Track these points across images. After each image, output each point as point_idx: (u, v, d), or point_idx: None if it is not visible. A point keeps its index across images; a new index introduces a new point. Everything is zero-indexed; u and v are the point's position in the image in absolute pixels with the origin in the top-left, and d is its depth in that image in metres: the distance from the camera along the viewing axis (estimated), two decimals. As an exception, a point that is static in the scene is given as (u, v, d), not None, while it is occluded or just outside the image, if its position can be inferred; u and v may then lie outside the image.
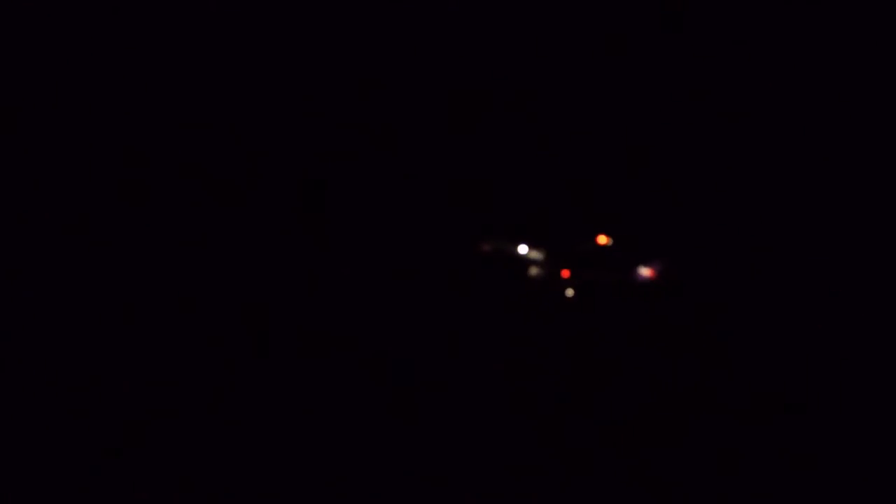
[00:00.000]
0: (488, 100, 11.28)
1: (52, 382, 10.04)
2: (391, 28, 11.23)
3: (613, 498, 10.21)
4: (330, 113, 11.24)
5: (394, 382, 10.61)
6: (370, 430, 10.26)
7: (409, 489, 9.96)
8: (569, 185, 11.33)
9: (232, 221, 10.93)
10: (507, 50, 11.28)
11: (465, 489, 10.07)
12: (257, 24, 11.17)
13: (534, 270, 11.13)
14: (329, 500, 9.73)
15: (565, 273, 11.13)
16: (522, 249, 11.13)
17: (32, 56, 10.86)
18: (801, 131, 11.47)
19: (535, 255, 11.14)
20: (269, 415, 10.22)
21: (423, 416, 10.43)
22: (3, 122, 10.82)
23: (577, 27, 11.31)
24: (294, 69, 11.20)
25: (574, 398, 10.88)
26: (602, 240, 11.10)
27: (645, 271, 11.22)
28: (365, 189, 11.13)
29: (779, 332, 11.18)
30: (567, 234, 11.25)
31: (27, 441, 9.63)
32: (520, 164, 11.30)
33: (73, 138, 10.91)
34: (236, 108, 11.12)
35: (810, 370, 11.01)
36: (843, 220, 11.34)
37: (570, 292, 11.19)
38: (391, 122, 11.23)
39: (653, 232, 11.36)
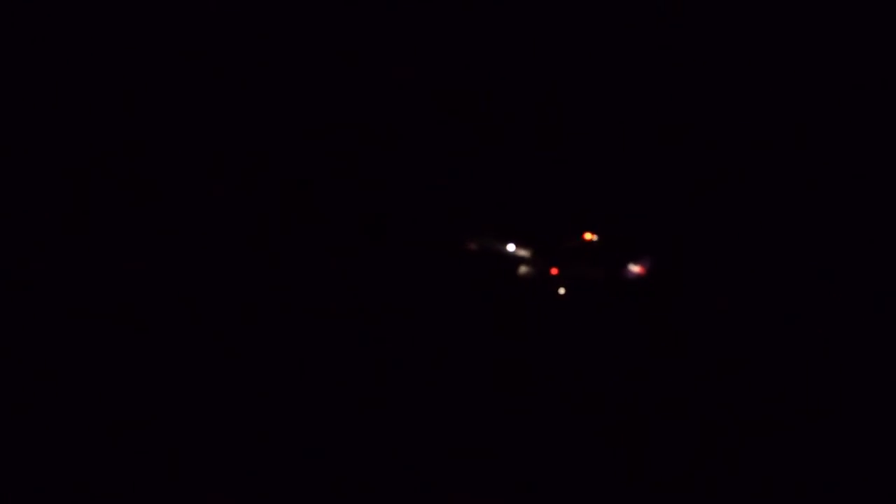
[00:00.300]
0: (471, 99, 11.29)
1: (51, 382, 10.15)
2: (373, 27, 11.25)
3: (609, 493, 10.31)
4: (315, 112, 11.24)
5: (390, 383, 10.67)
6: (360, 428, 10.35)
7: (398, 487, 10.07)
8: (554, 182, 11.32)
9: (221, 219, 10.95)
10: (487, 51, 11.29)
11: (459, 488, 10.17)
12: (250, 24, 11.20)
13: (523, 269, 11.13)
14: (316, 498, 9.87)
15: (554, 271, 11.13)
16: (510, 248, 11.12)
17: (32, 56, 10.92)
18: (789, 125, 11.46)
19: (523, 252, 11.13)
20: (257, 412, 10.31)
21: (418, 417, 10.51)
22: (3, 123, 10.87)
23: (553, 28, 11.32)
24: (279, 67, 11.21)
25: (570, 396, 10.94)
26: (588, 236, 11.10)
27: (635, 268, 11.23)
28: (349, 190, 11.14)
29: (771, 329, 11.21)
30: (553, 231, 11.22)
31: (27, 441, 9.76)
32: (503, 161, 11.29)
33: (71, 138, 10.95)
34: (224, 108, 11.14)
35: (802, 367, 11.05)
36: (831, 215, 11.34)
37: (561, 291, 11.20)
38: (375, 123, 11.24)
39: (642, 228, 11.35)
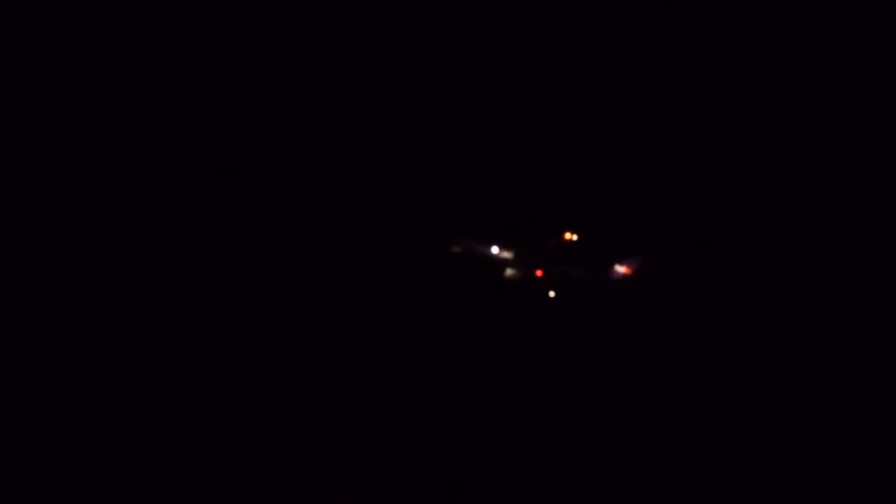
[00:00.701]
0: (452, 104, 11.32)
1: (51, 382, 10.21)
2: (361, 31, 11.28)
3: (597, 491, 10.31)
4: (301, 116, 11.31)
5: (382, 385, 10.69)
6: (345, 429, 10.38)
7: (382, 488, 10.10)
8: (533, 184, 11.32)
9: (213, 218, 10.97)
10: (472, 58, 11.32)
11: (450, 488, 10.19)
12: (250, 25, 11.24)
13: (509, 271, 11.15)
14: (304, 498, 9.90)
15: (539, 273, 11.15)
16: (494, 250, 11.12)
17: (32, 56, 11.01)
18: (775, 125, 11.46)
19: (506, 254, 11.14)
20: (246, 411, 10.34)
21: (410, 418, 10.54)
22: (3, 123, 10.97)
23: (542, 34, 11.34)
24: (269, 67, 11.29)
25: (565, 396, 10.96)
26: (568, 236, 11.11)
27: (621, 269, 11.25)
28: (334, 198, 11.14)
29: (761, 326, 11.20)
30: (534, 232, 11.22)
31: (27, 441, 9.83)
32: (484, 164, 11.29)
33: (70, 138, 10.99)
34: (219, 109, 11.18)
35: (791, 362, 11.04)
36: (819, 214, 11.32)
37: (552, 293, 11.23)
38: (358, 131, 11.25)
39: (626, 229, 11.36)
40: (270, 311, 10.78)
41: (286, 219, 11.09)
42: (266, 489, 9.92)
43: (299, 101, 11.31)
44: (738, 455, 10.62)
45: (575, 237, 11.13)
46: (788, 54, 11.40)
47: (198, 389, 10.32)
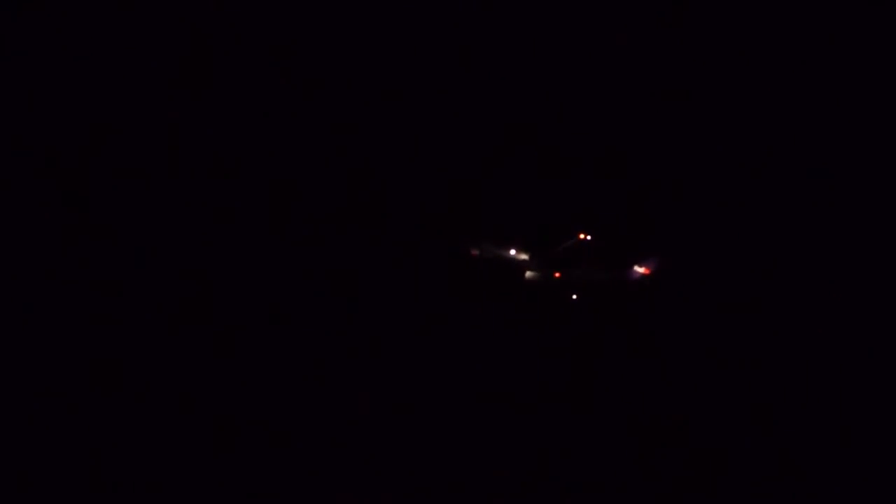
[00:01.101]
0: (463, 108, 11.45)
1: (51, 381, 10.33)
2: (374, 34, 11.48)
3: (631, 495, 10.36)
4: (317, 121, 11.50)
5: (410, 392, 10.82)
6: (377, 437, 10.48)
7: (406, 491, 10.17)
8: (548, 186, 11.42)
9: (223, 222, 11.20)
10: (482, 64, 11.45)
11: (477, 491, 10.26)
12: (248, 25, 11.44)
13: (529, 274, 11.27)
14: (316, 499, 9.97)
15: (557, 274, 11.24)
16: (511, 252, 11.23)
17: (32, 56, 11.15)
18: (791, 126, 11.53)
19: (523, 257, 11.25)
20: (250, 413, 10.45)
21: (437, 425, 10.64)
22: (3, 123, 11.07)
23: (549, 37, 11.43)
24: (283, 70, 11.44)
25: (589, 397, 11.05)
26: (582, 237, 11.19)
27: (640, 269, 11.32)
28: (349, 207, 11.28)
29: (777, 328, 11.25)
30: (548, 234, 11.31)
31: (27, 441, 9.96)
32: (498, 167, 11.41)
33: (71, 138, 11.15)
34: (228, 110, 11.38)
35: (806, 365, 11.07)
36: (835, 217, 11.34)
37: (574, 296, 11.33)
38: (371, 140, 11.42)
39: (645, 230, 11.42)
40: (285, 314, 10.93)
41: (304, 221, 11.24)
42: (266, 489, 9.96)
43: (323, 107, 11.46)
44: (770, 452, 10.62)
45: (589, 237, 11.22)
46: (810, 57, 11.43)
47: (198, 389, 10.33)
